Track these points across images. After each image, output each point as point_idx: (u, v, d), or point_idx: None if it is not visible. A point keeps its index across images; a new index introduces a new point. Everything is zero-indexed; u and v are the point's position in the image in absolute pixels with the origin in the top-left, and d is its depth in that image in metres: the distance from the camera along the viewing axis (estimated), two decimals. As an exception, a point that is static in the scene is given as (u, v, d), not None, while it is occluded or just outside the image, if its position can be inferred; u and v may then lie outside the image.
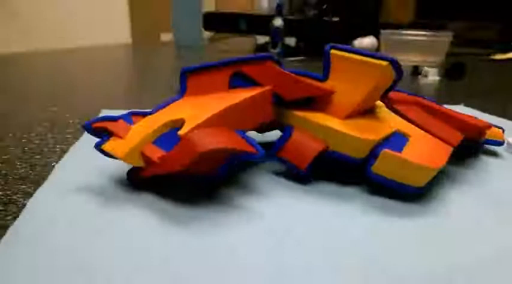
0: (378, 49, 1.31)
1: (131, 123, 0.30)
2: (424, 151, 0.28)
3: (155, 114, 0.30)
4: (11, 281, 0.19)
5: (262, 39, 1.31)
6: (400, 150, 0.28)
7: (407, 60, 1.15)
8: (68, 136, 0.43)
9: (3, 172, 0.33)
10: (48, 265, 0.20)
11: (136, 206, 0.27)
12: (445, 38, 1.16)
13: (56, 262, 0.20)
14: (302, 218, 0.26)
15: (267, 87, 0.31)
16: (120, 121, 0.30)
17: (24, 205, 0.27)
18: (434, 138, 0.30)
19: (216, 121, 0.28)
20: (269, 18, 1.21)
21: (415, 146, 0.28)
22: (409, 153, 0.27)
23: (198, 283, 0.19)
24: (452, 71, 0.93)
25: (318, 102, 0.32)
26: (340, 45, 0.31)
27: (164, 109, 0.30)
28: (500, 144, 0.37)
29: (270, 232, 0.24)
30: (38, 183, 0.31)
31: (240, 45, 1.68)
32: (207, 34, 1.48)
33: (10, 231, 0.23)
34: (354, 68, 0.30)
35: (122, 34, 1.97)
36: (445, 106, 0.62)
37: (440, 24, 2.04)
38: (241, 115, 0.29)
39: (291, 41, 1.26)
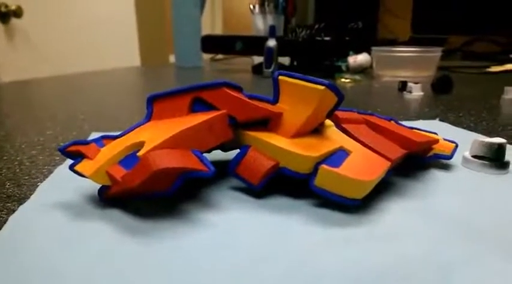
0: (371, 65, 1.35)
1: (102, 146, 0.34)
2: (360, 165, 0.31)
3: (122, 138, 0.34)
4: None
5: (259, 59, 1.35)
6: (338, 165, 0.31)
7: (397, 75, 1.18)
8: (57, 158, 0.47)
9: (-7, 192, 0.37)
10: (20, 268, 0.24)
11: (103, 219, 0.30)
12: (434, 53, 1.19)
13: (26, 266, 0.24)
14: (248, 226, 0.29)
15: (223, 111, 0.34)
16: (92, 144, 0.34)
17: (6, 221, 0.31)
18: (374, 153, 0.33)
19: (173, 143, 0.31)
20: (264, 39, 1.26)
21: (353, 161, 0.31)
22: (345, 167, 0.30)
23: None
24: (438, 85, 0.95)
25: (270, 123, 0.35)
26: (287, 72, 0.34)
27: (131, 133, 0.34)
28: (448, 157, 0.40)
29: (217, 239, 0.27)
30: (22, 201, 0.35)
31: (238, 65, 1.73)
32: (207, 55, 1.54)
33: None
34: (297, 92, 0.33)
35: (132, 58, 2.05)
36: (420, 121, 0.65)
37: (439, 38, 2.07)
38: (197, 136, 0.33)
39: (285, 60, 1.30)
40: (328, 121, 0.37)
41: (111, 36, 1.90)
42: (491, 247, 0.26)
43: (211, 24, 2.67)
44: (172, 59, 2.25)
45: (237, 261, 0.24)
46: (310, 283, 0.22)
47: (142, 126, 0.35)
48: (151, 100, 0.36)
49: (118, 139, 0.34)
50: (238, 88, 0.36)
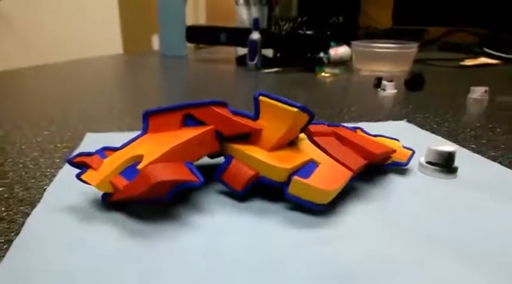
0: (351, 57, 1.40)
1: (104, 157, 0.39)
2: (326, 176, 0.37)
3: (122, 150, 0.39)
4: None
5: (243, 50, 1.39)
6: (308, 176, 0.37)
7: (375, 70, 1.24)
8: (57, 160, 0.51)
9: (6, 195, 0.42)
10: (39, 269, 0.29)
11: (107, 223, 0.35)
12: (411, 49, 1.25)
13: (43, 268, 0.29)
14: (232, 229, 0.34)
15: (210, 126, 0.39)
16: (95, 156, 0.38)
17: (23, 223, 0.36)
18: (339, 164, 0.39)
19: (169, 156, 0.36)
20: (248, 31, 1.30)
21: (321, 172, 0.37)
22: (313, 178, 0.36)
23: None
24: (410, 83, 1.02)
25: (251, 137, 0.40)
26: (266, 93, 0.40)
27: (130, 145, 0.39)
28: (404, 165, 0.46)
29: (205, 241, 0.33)
30: (33, 204, 0.39)
31: (222, 54, 1.76)
32: (191, 43, 1.56)
33: (13, 244, 0.32)
34: (275, 112, 0.39)
35: (114, 44, 2.04)
36: (390, 121, 0.71)
37: (419, 29, 2.13)
38: (189, 149, 0.38)
39: (268, 52, 1.34)
40: (302, 135, 0.43)
41: (93, 23, 1.89)
42: (441, 247, 0.32)
43: (195, 14, 2.67)
44: (155, 41, 2.24)
45: (223, 262, 0.30)
46: (282, 279, 0.28)
47: (140, 139, 0.40)
48: (147, 116, 0.41)
49: (119, 152, 0.39)
50: (223, 104, 0.41)
